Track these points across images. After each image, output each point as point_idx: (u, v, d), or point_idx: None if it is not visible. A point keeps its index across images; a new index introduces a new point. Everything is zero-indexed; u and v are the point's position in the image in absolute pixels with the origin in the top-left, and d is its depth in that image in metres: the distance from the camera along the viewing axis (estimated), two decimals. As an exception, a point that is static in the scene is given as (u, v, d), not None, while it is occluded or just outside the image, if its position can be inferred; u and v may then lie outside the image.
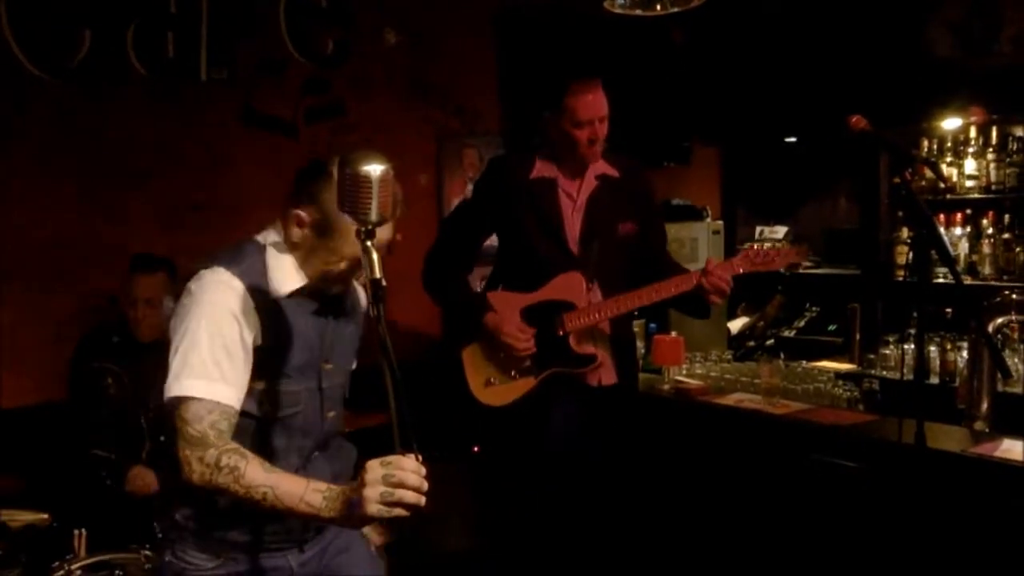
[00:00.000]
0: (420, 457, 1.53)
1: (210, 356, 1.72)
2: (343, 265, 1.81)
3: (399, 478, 1.50)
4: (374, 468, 1.52)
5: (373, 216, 1.54)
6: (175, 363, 1.73)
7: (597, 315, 2.81)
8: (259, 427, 1.82)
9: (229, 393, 1.73)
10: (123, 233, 3.65)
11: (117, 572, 2.61)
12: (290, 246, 1.84)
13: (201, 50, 3.81)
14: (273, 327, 1.80)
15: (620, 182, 2.91)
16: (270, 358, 1.80)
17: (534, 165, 2.89)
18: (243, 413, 1.77)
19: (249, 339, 1.77)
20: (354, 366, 2.08)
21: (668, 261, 3.02)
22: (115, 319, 3.28)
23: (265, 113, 4.02)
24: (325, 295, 1.88)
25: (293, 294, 1.83)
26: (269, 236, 1.87)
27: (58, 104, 3.54)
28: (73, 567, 2.58)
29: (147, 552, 2.62)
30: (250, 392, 1.78)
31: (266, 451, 1.79)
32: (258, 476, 1.64)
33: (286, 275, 1.83)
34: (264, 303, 1.79)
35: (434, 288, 2.99)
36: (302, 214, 1.80)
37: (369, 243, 1.55)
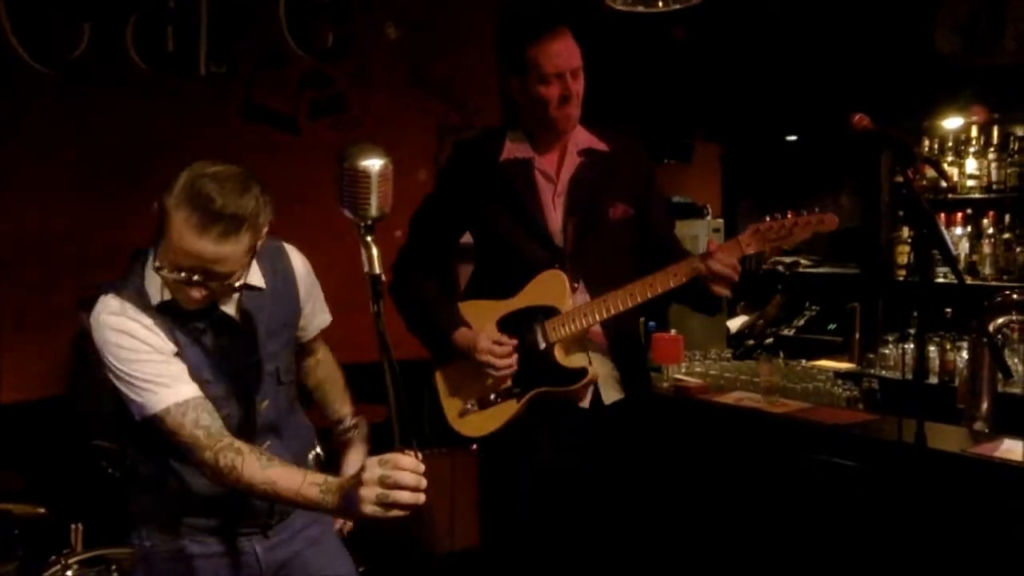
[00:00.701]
0: (419, 454, 1.52)
1: (141, 374, 1.72)
2: (173, 274, 1.67)
3: (395, 479, 1.49)
4: (372, 467, 1.51)
5: (373, 212, 1.51)
6: (124, 394, 1.74)
7: (584, 320, 2.36)
8: None
9: (186, 388, 1.73)
10: (122, 227, 3.62)
11: (113, 567, 2.62)
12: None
13: (201, 44, 3.80)
14: (177, 336, 1.77)
15: (609, 157, 2.45)
16: (186, 364, 1.77)
17: (504, 145, 2.44)
18: None
19: (163, 347, 1.75)
20: (316, 319, 2.04)
21: (676, 249, 2.52)
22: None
23: (266, 107, 4.01)
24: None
25: (161, 307, 1.75)
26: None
27: (57, 98, 3.54)
28: (70, 561, 2.58)
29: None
30: None
31: None
32: (256, 474, 1.65)
33: (154, 285, 1.76)
34: (157, 316, 1.75)
35: (401, 302, 2.51)
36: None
37: (369, 238, 1.53)
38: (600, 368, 2.43)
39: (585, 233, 2.42)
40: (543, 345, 2.40)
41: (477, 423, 2.45)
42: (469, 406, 2.46)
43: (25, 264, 3.51)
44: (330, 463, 2.12)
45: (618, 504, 2.52)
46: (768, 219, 2.35)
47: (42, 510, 2.73)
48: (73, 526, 2.65)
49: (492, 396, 2.43)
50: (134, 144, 3.70)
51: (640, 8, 3.23)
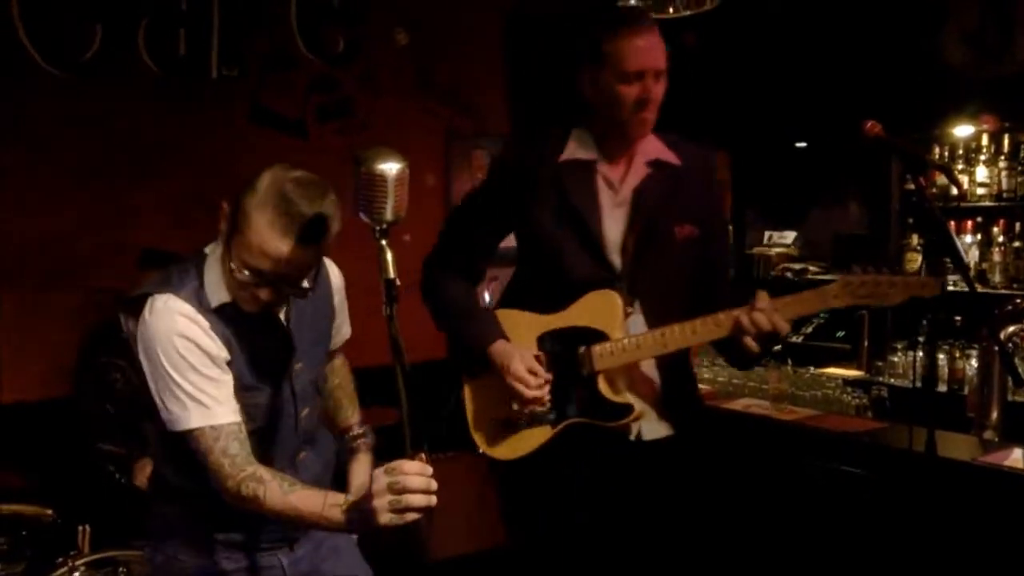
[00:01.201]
0: (427, 456, 1.52)
1: (189, 386, 1.71)
2: (244, 274, 1.68)
3: (403, 484, 1.49)
4: (379, 478, 1.52)
5: (389, 216, 1.52)
6: (161, 401, 1.73)
7: (636, 352, 2.13)
8: None
9: (225, 411, 1.72)
10: (131, 229, 3.64)
11: (121, 569, 2.61)
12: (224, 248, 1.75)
13: (212, 47, 3.81)
14: (231, 340, 1.77)
15: (680, 171, 2.22)
16: (236, 371, 1.77)
17: (567, 143, 2.21)
18: None
19: (219, 355, 1.75)
20: (334, 343, 2.06)
21: (720, 290, 2.27)
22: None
23: (274, 111, 4.01)
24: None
25: (221, 308, 1.75)
26: (216, 242, 1.78)
27: (68, 100, 3.54)
28: (77, 563, 2.58)
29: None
30: None
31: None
32: (278, 501, 1.66)
33: (214, 287, 1.75)
34: (214, 319, 1.75)
35: (433, 301, 2.33)
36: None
37: (384, 242, 1.53)
38: (647, 401, 2.21)
39: (646, 251, 2.18)
40: (586, 372, 2.17)
41: (505, 445, 2.24)
42: (498, 425, 2.24)
43: (32, 263, 3.52)
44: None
45: (651, 537, 2.31)
46: (860, 272, 2.09)
47: (49, 512, 2.72)
48: (80, 528, 2.64)
49: (525, 419, 2.22)
50: (141, 145, 3.70)
51: (651, 15, 3.23)
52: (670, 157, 2.22)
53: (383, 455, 1.56)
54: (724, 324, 2.09)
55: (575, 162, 2.19)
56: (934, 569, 2.41)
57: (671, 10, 3.27)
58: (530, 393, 2.15)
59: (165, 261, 3.13)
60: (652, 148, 2.22)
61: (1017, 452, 2.60)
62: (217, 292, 1.75)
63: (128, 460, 3.09)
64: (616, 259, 2.19)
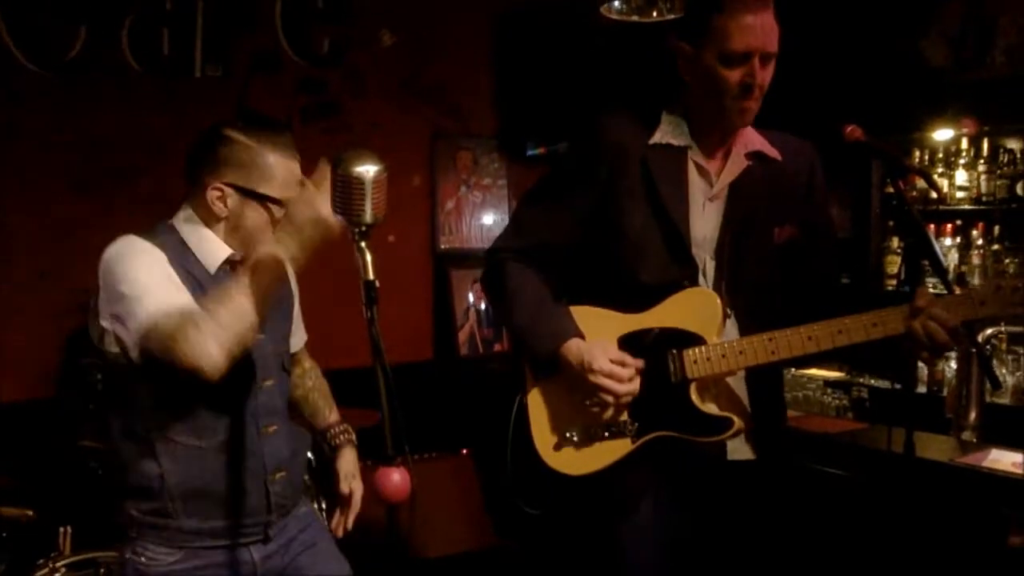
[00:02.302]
0: (410, 460, 1.53)
1: (146, 278, 1.72)
2: (276, 209, 1.79)
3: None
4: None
5: (367, 218, 1.53)
6: (124, 315, 1.71)
7: (738, 358, 1.88)
8: (197, 402, 1.79)
9: (185, 298, 1.72)
10: (115, 229, 3.61)
11: (102, 570, 2.60)
12: (211, 221, 1.84)
13: (196, 47, 3.80)
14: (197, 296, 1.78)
15: (782, 168, 2.02)
16: None
17: (657, 125, 1.98)
18: (179, 390, 1.73)
19: (178, 283, 1.77)
20: (297, 334, 2.08)
21: (833, 295, 2.06)
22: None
23: (259, 111, 4.01)
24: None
25: (225, 264, 1.83)
26: (178, 217, 1.88)
27: (52, 99, 3.53)
28: (58, 564, 2.56)
29: (133, 550, 2.61)
30: None
31: (212, 426, 1.80)
32: (217, 324, 1.65)
33: (213, 246, 1.83)
34: (184, 275, 1.79)
35: (496, 291, 2.06)
36: (221, 186, 1.81)
37: (363, 244, 1.54)
38: (740, 421, 1.95)
39: (743, 253, 1.97)
40: (676, 380, 1.93)
41: (575, 459, 1.97)
42: (568, 436, 1.97)
43: (17, 264, 3.50)
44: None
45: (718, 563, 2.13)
46: (1009, 278, 1.87)
47: (30, 512, 2.71)
48: (62, 529, 2.63)
49: (601, 429, 1.95)
50: (127, 145, 3.70)
51: (635, 18, 3.25)
52: (771, 151, 2.03)
53: (370, 456, 1.56)
54: (851, 330, 1.86)
55: (665, 147, 1.97)
56: (912, 569, 2.43)
57: (655, 14, 3.28)
58: (623, 387, 1.88)
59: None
60: (752, 139, 2.02)
61: (995, 453, 2.63)
62: (219, 250, 1.83)
63: (108, 455, 3.08)
64: (705, 259, 1.97)
